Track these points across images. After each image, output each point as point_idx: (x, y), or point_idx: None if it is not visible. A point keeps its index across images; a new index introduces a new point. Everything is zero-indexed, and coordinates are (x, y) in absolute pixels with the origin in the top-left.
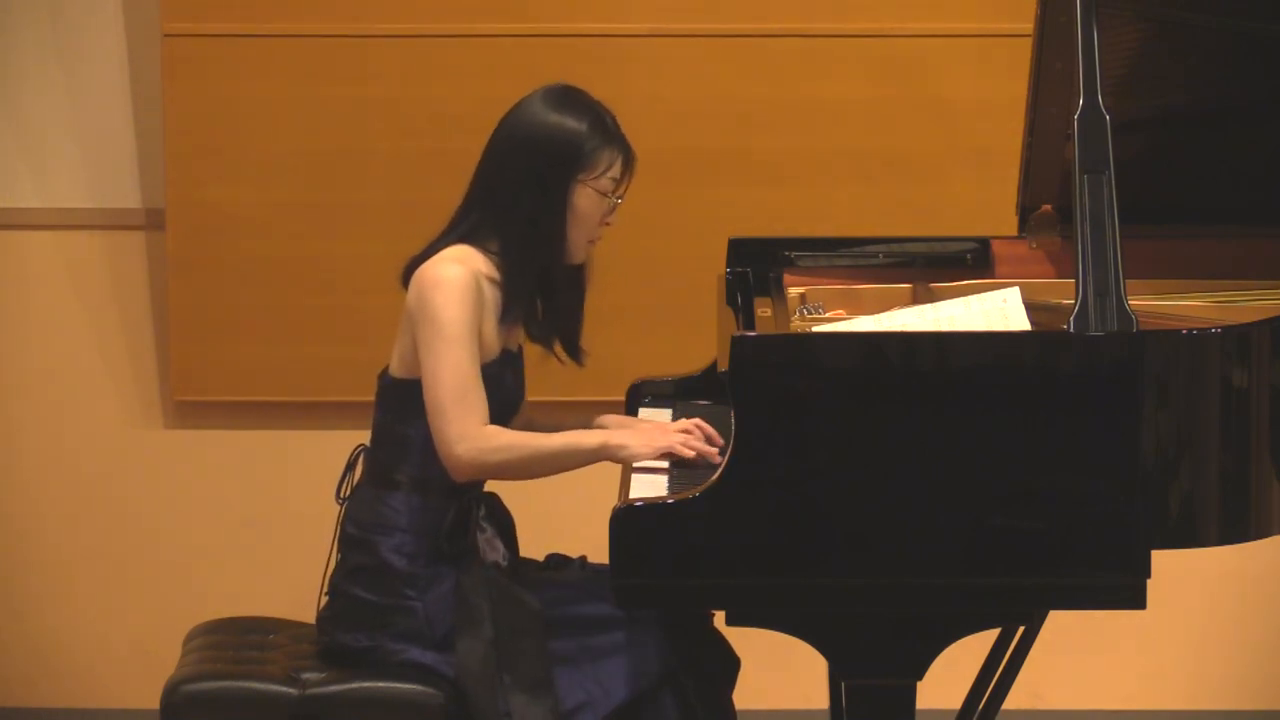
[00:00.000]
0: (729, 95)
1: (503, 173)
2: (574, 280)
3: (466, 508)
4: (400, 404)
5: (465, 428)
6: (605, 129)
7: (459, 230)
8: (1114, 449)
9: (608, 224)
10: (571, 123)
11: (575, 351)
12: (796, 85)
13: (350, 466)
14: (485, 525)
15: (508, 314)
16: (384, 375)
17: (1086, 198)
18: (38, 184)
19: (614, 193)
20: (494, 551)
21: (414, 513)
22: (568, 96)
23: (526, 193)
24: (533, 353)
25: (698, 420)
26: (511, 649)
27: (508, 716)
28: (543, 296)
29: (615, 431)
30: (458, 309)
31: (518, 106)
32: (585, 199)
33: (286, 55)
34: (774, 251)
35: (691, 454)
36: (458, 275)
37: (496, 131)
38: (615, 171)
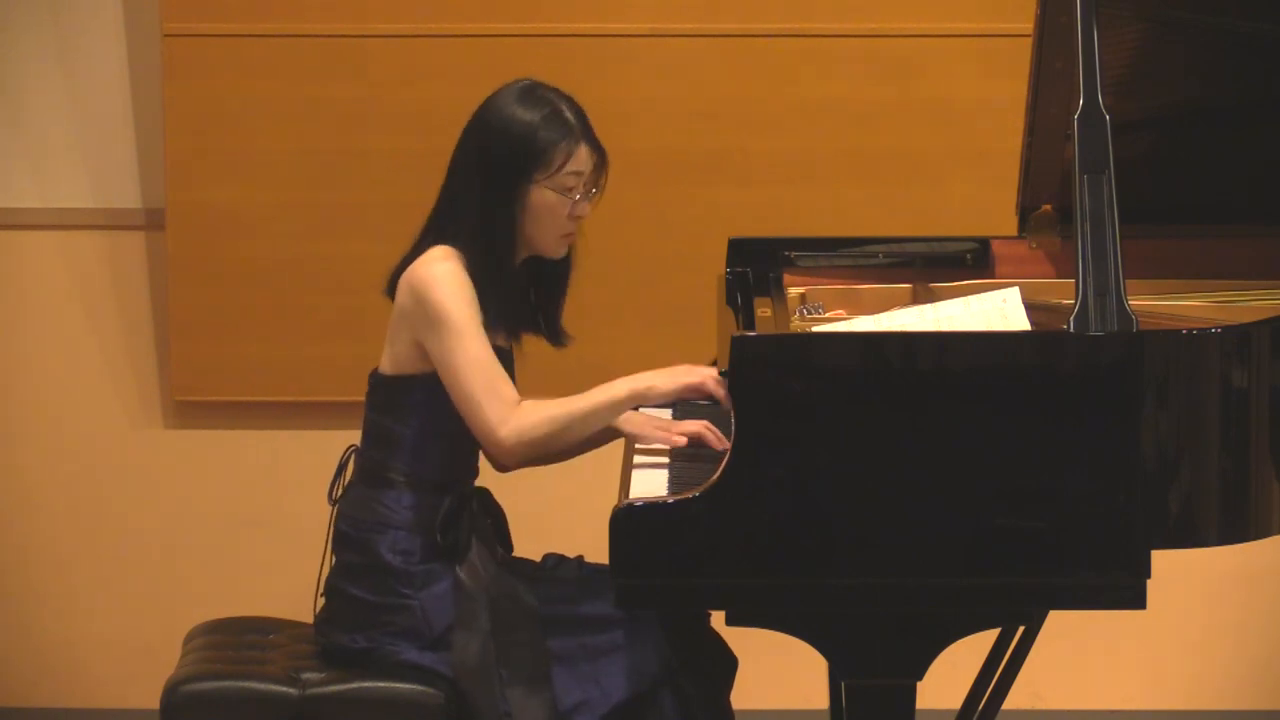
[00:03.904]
0: (729, 95)
1: (463, 172)
2: (559, 271)
3: (459, 501)
4: (391, 401)
5: (502, 410)
6: (562, 123)
7: (433, 233)
8: (1114, 449)
9: (579, 217)
10: (525, 116)
11: (556, 334)
12: (796, 85)
13: (341, 467)
14: (478, 519)
15: (491, 312)
16: (374, 374)
17: (1086, 198)
18: (38, 184)
19: (578, 189)
20: (490, 544)
21: (409, 509)
22: (528, 91)
23: (481, 191)
24: (532, 354)
25: (706, 423)
26: (508, 642)
27: (507, 716)
28: (534, 289)
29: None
30: (460, 300)
31: (483, 103)
32: (542, 196)
33: (286, 55)
34: (774, 251)
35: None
36: (451, 270)
37: (464, 129)
38: (576, 167)
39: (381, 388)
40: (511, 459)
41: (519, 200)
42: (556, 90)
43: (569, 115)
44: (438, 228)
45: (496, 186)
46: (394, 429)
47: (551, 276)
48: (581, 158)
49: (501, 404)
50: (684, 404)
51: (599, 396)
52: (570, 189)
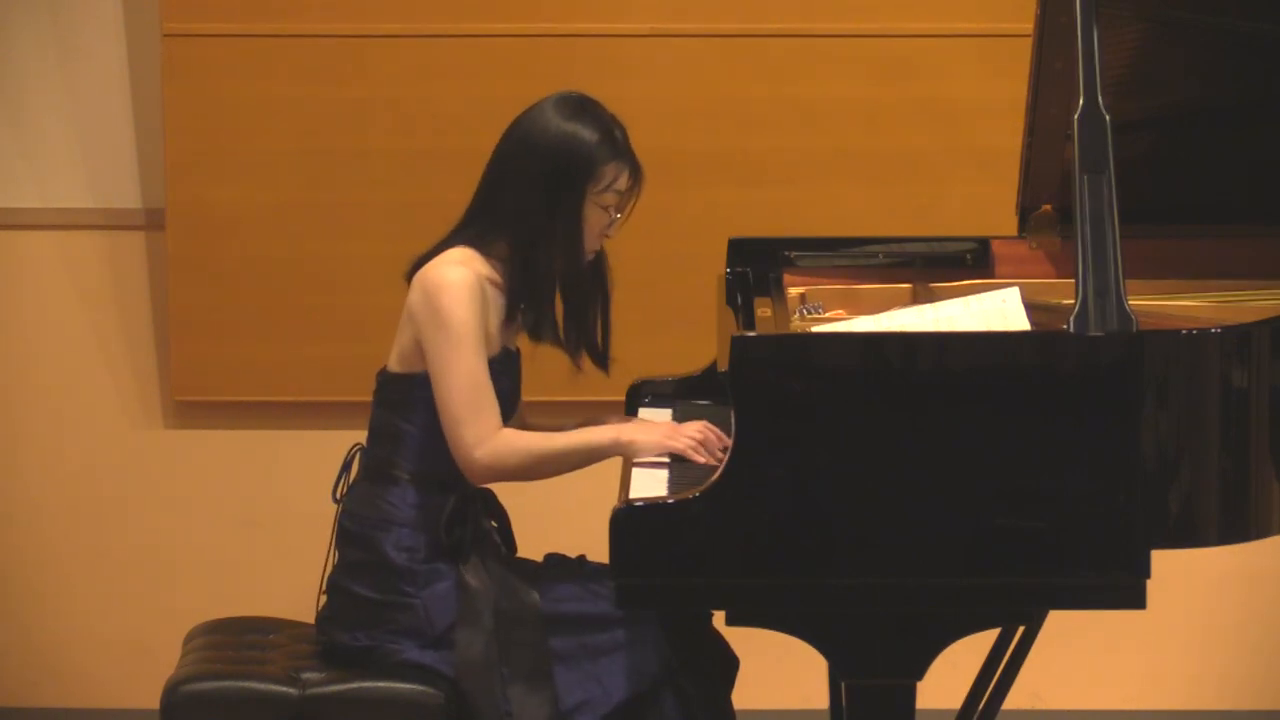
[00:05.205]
0: (729, 95)
1: (513, 179)
2: (595, 288)
3: (464, 500)
4: (398, 398)
5: (481, 431)
6: (614, 142)
7: (466, 233)
8: (1114, 449)
9: (606, 236)
10: (585, 133)
11: (602, 360)
12: (796, 85)
13: (346, 466)
14: (483, 519)
15: (514, 318)
16: (382, 372)
17: (1086, 198)
18: (38, 184)
19: (616, 207)
20: (494, 544)
21: (413, 507)
22: (582, 106)
23: (537, 200)
24: (531, 353)
25: (705, 423)
26: (510, 641)
27: (508, 715)
28: (565, 305)
29: (625, 427)
30: (466, 310)
31: (530, 111)
32: (589, 211)
33: (286, 55)
34: (774, 251)
35: (701, 459)
36: (463, 277)
37: (507, 135)
38: (620, 186)
39: (389, 384)
40: (479, 480)
41: (578, 210)
42: (603, 106)
43: (618, 134)
44: (473, 230)
45: (553, 196)
46: (400, 426)
47: (589, 302)
48: (625, 177)
49: (483, 425)
50: (685, 404)
51: (579, 439)
52: (609, 207)
